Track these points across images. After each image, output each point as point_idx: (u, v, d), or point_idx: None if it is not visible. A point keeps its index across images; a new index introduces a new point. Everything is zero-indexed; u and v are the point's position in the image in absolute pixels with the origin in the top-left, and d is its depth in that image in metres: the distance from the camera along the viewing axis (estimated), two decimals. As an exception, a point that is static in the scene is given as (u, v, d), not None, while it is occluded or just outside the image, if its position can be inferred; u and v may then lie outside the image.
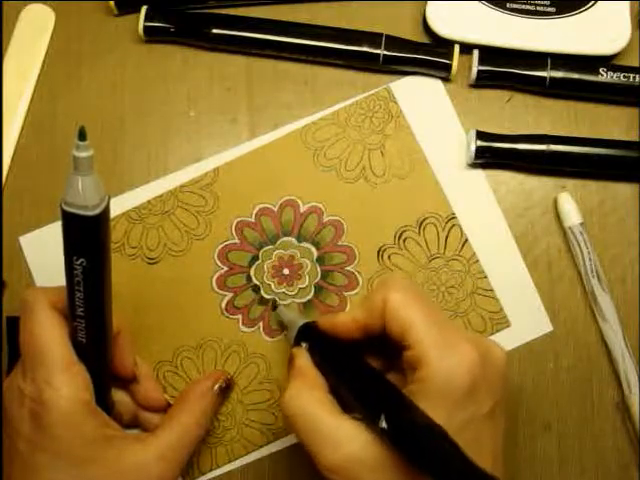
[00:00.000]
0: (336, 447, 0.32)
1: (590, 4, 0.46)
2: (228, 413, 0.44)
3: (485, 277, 0.45)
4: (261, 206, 0.46)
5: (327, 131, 0.47)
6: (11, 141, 0.47)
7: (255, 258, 0.45)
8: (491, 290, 0.45)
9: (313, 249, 0.45)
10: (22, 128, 0.47)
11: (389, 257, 0.45)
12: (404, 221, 0.45)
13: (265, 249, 0.45)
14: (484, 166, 0.46)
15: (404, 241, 0.45)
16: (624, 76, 0.46)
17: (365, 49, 0.46)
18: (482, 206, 0.46)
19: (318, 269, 0.45)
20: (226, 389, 0.43)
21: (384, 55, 0.46)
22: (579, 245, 0.44)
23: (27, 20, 0.49)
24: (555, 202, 0.45)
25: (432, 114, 0.47)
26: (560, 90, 0.47)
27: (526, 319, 0.45)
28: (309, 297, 0.45)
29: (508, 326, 0.44)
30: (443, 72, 0.47)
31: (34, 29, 0.48)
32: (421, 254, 0.45)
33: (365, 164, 0.46)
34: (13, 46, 0.48)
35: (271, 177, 0.46)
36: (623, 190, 0.46)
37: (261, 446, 0.44)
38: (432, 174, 0.46)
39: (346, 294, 0.45)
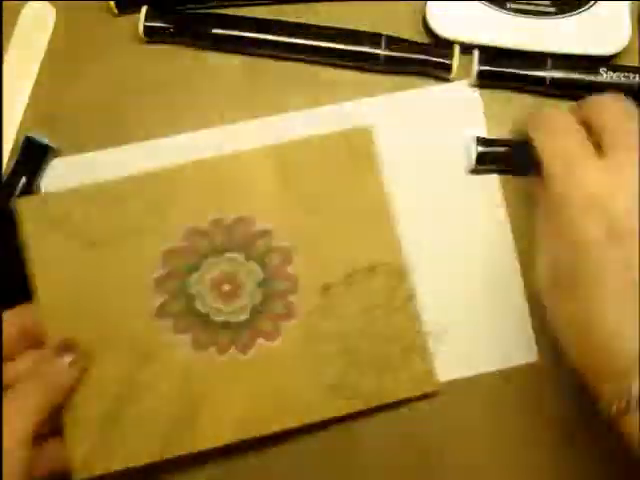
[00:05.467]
0: None
1: (590, 4, 0.46)
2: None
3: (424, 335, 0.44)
4: (217, 216, 0.44)
5: (299, 155, 0.44)
6: (10, 140, 0.47)
7: (197, 267, 0.43)
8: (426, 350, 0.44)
9: (259, 270, 0.44)
10: (21, 128, 0.47)
11: (332, 295, 0.43)
12: (356, 264, 0.44)
13: (210, 260, 0.43)
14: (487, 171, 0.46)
15: (351, 284, 0.44)
16: (624, 76, 0.46)
17: (365, 49, 0.46)
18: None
19: (259, 292, 0.43)
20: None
21: (384, 55, 0.46)
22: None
23: (28, 18, 0.49)
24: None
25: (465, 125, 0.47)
26: (560, 90, 0.47)
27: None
28: (244, 317, 0.43)
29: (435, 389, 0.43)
30: (443, 72, 0.47)
31: (35, 27, 0.48)
32: (365, 300, 0.43)
33: (329, 198, 0.44)
34: (14, 44, 0.48)
35: (233, 188, 0.44)
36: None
37: None
38: (392, 224, 0.44)
39: (281, 323, 0.43)
